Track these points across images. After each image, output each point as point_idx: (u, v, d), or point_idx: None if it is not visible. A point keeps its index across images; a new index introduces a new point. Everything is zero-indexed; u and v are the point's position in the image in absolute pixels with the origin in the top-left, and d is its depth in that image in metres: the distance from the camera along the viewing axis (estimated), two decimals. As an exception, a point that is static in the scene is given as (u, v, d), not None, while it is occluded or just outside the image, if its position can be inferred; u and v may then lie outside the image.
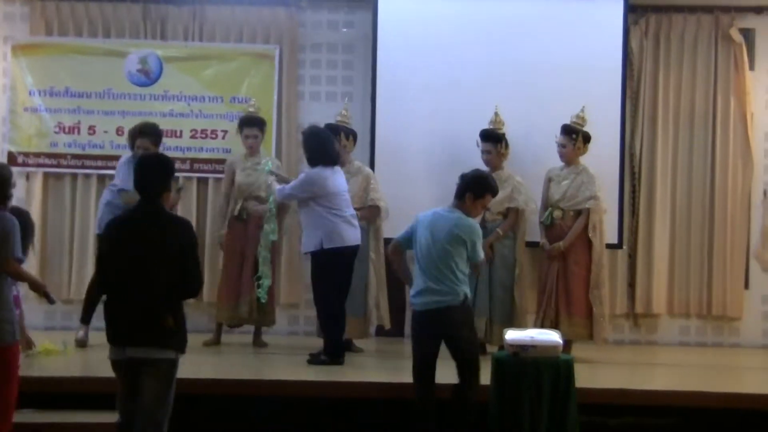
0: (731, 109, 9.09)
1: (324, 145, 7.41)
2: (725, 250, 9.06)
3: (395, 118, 8.65)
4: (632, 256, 9.01)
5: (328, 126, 7.88)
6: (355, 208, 7.62)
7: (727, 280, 9.02)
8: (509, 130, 8.32)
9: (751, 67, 9.11)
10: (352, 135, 8.10)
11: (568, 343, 7.86)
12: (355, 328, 7.95)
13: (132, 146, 7.79)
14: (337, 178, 7.41)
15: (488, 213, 7.85)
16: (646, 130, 9.10)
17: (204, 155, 9.00)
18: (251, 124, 8.24)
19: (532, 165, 8.47)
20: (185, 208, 8.93)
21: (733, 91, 9.09)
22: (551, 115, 8.42)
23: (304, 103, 9.17)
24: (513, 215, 8.06)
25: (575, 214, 7.94)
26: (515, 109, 8.50)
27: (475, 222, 6.32)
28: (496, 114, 8.22)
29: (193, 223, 8.74)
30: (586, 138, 8.06)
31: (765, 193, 9.16)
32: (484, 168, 7.55)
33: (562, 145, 8.01)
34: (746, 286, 9.09)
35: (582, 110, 8.08)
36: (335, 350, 7.34)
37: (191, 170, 9.01)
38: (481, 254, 6.31)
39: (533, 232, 8.24)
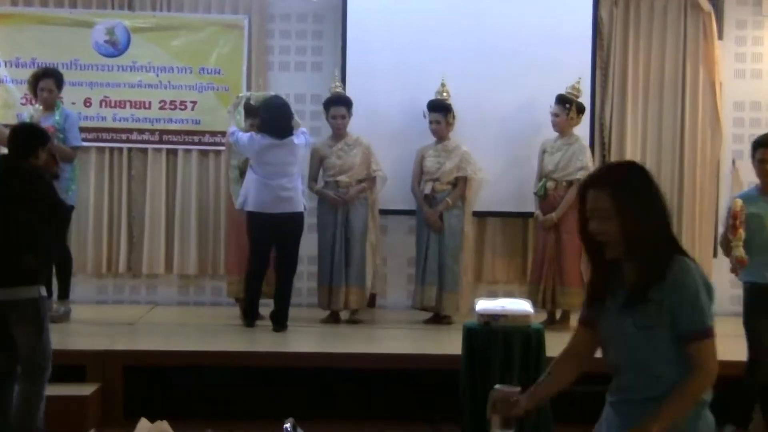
0: (700, 78, 9.12)
1: (273, 117, 7.58)
2: (694, 219, 9.14)
3: (366, 89, 8.61)
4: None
5: (328, 99, 8.12)
6: (359, 180, 7.96)
7: (696, 248, 9.06)
8: (477, 102, 8.42)
9: (720, 37, 9.13)
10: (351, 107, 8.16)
11: (565, 314, 8.00)
12: (358, 297, 8.09)
13: (35, 91, 7.69)
14: (279, 151, 7.56)
15: (437, 183, 8.07)
16: (616, 100, 9.12)
17: (173, 126, 8.96)
18: (338, 103, 8.15)
19: (495, 135, 8.60)
20: (154, 179, 8.98)
21: (702, 60, 9.12)
22: (520, 86, 8.58)
23: (273, 74, 9.12)
24: (462, 184, 8.13)
25: (567, 184, 8.00)
26: (483, 80, 8.62)
27: None
28: (443, 84, 8.23)
29: (162, 194, 8.97)
30: (580, 108, 8.14)
31: (733, 163, 9.22)
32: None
33: (555, 115, 8.08)
34: (714, 254, 9.12)
35: (578, 81, 8.16)
36: (245, 310, 7.80)
37: (160, 141, 8.97)
38: None
39: (485, 202, 8.42)
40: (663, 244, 3.05)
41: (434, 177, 8.13)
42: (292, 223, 7.64)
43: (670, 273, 3.00)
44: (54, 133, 7.32)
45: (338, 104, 8.16)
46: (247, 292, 7.80)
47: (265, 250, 7.69)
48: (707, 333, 3.03)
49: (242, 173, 7.90)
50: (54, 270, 7.41)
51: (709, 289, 3.07)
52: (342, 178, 8.11)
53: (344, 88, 8.44)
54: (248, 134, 7.66)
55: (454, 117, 8.19)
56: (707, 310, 3.04)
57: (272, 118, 7.61)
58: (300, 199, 7.71)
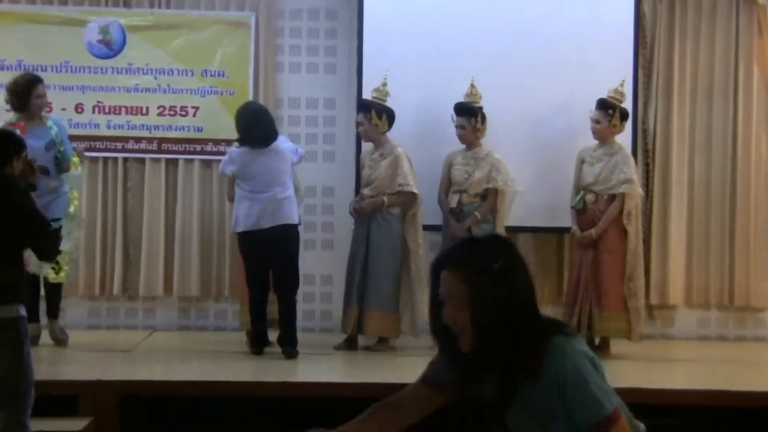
0: (754, 78, 9.11)
1: (247, 126, 7.65)
2: (748, 235, 9.10)
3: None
4: (646, 242, 8.96)
5: (361, 102, 8.23)
6: (387, 194, 7.99)
7: (751, 267, 9.04)
8: (507, 105, 8.43)
9: (776, 32, 9.12)
10: (386, 113, 8.13)
11: (605, 342, 8.00)
12: (385, 324, 8.08)
13: (27, 98, 7.64)
14: (265, 159, 7.61)
15: (465, 195, 8.08)
16: (661, 103, 9.11)
17: (173, 134, 8.99)
18: (460, 112, 8.19)
19: (526, 142, 8.65)
20: (152, 191, 9.01)
21: (756, 58, 9.11)
22: (554, 87, 8.61)
23: (282, 76, 9.17)
24: (492, 197, 8.12)
25: (609, 198, 8.01)
26: (513, 82, 8.64)
27: None
28: (472, 86, 8.24)
29: (161, 208, 9.00)
30: (624, 115, 8.14)
31: (792, 171, 9.19)
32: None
33: (596, 121, 8.07)
34: (772, 273, 9.14)
35: (621, 84, 8.17)
36: (252, 338, 7.83)
37: (159, 150, 9.02)
38: None
39: (515, 215, 8.38)
40: (530, 337, 2.84)
41: (462, 188, 8.16)
42: (285, 236, 7.64)
43: (546, 363, 2.81)
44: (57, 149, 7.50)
45: (358, 110, 8.26)
46: (253, 323, 7.82)
47: (262, 274, 7.72)
48: (610, 419, 2.82)
49: None
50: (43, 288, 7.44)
51: (595, 365, 2.88)
52: (366, 190, 8.16)
53: (361, 91, 8.53)
54: (227, 154, 7.81)
55: (483, 121, 8.19)
56: (602, 392, 2.83)
57: (248, 128, 7.66)
58: (293, 209, 7.72)
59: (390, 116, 8.14)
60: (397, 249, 8.08)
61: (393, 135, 8.23)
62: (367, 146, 8.37)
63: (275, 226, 7.58)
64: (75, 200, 7.85)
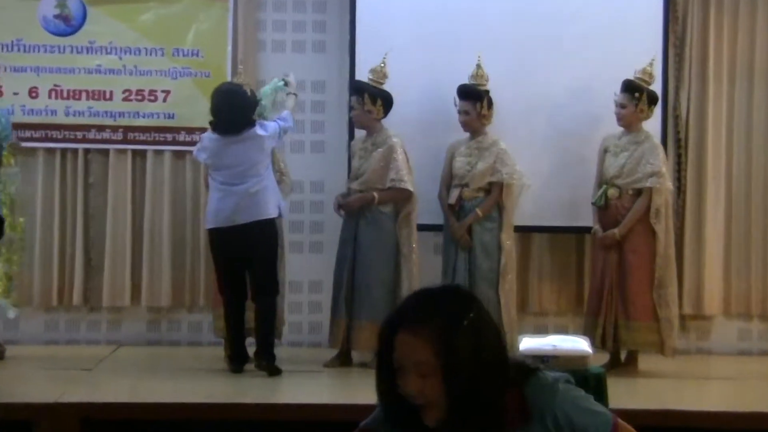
0: (800, 59, 9.11)
1: (217, 110, 7.71)
2: (792, 232, 9.10)
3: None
4: (678, 244, 8.90)
5: (355, 83, 8.24)
6: (378, 189, 8.00)
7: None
8: (520, 89, 8.46)
9: (825, 6, 9.12)
10: (381, 98, 8.13)
11: (631, 356, 7.99)
12: (371, 336, 7.96)
13: None
14: (238, 148, 7.63)
15: (466, 189, 8.09)
16: (694, 86, 9.11)
17: (140, 122, 8.97)
18: (464, 96, 8.20)
19: (541, 130, 8.66)
20: (117, 187, 9.00)
21: (802, 36, 9.11)
22: (573, 69, 8.63)
23: (265, 55, 9.16)
24: (496, 191, 8.12)
25: (635, 193, 8.02)
26: (526, 62, 8.65)
27: None
28: (479, 66, 8.21)
29: (127, 207, 9.03)
30: (652, 99, 8.14)
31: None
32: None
33: (621, 106, 8.07)
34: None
35: (650, 64, 8.17)
36: (230, 354, 7.82)
37: (125, 141, 8.99)
38: None
39: (528, 213, 8.37)
40: (507, 390, 2.79)
41: (463, 182, 8.14)
42: (260, 233, 7.63)
43: (531, 409, 2.80)
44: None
45: (351, 92, 8.26)
46: (230, 337, 7.84)
47: (237, 278, 7.73)
48: (616, 425, 2.89)
49: None
50: None
51: (571, 381, 2.92)
52: (354, 184, 8.16)
53: (353, 72, 8.54)
54: (200, 138, 7.90)
55: (490, 106, 8.17)
56: (597, 404, 2.92)
57: (218, 112, 7.70)
58: (269, 201, 7.72)
59: (386, 101, 8.13)
60: (390, 251, 8.06)
61: (391, 122, 8.22)
62: (360, 134, 8.37)
63: (249, 222, 7.59)
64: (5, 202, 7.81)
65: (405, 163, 8.07)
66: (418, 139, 8.44)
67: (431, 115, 8.62)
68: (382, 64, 8.18)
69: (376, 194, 8.02)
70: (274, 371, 7.59)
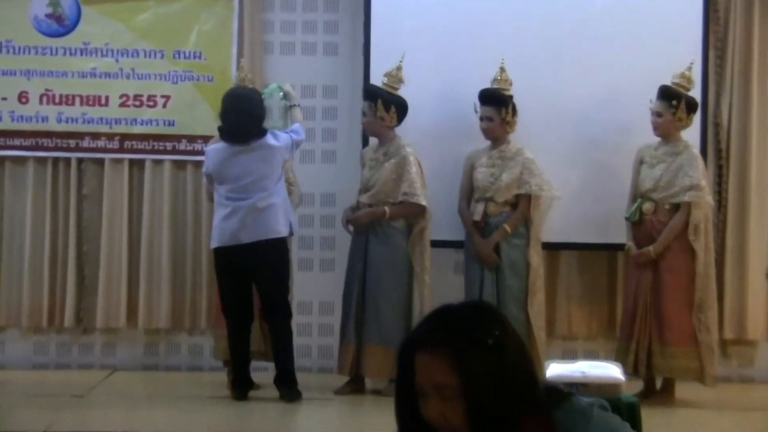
0: None
1: (225, 117, 7.75)
2: None
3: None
4: (718, 262, 8.86)
5: (368, 88, 8.25)
6: (389, 203, 8.00)
7: None
8: (546, 94, 8.45)
9: None
10: (395, 105, 8.12)
11: (667, 384, 7.98)
12: (390, 362, 7.92)
13: None
14: (245, 159, 7.64)
15: (491, 204, 8.05)
16: (737, 92, 9.07)
17: (138, 129, 8.99)
18: (486, 101, 8.16)
19: (570, 140, 8.63)
20: (113, 199, 9.00)
21: None
22: (604, 73, 8.61)
23: (272, 58, 9.19)
24: (524, 205, 8.10)
25: (672, 208, 7.98)
26: (553, 66, 8.63)
27: None
28: (502, 69, 8.20)
29: (124, 220, 9.03)
30: (692, 106, 8.11)
31: None
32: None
33: (657, 114, 8.05)
34: None
35: (689, 68, 8.15)
36: (233, 380, 7.85)
37: (121, 149, 9.00)
38: None
39: (556, 228, 8.32)
40: (537, 414, 2.75)
41: (486, 195, 8.08)
42: (269, 253, 7.64)
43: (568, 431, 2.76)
44: None
45: (364, 97, 8.24)
46: (233, 361, 7.87)
47: (241, 297, 7.74)
48: None
49: None
50: None
51: (606, 407, 2.87)
52: (363, 197, 8.12)
53: (368, 76, 8.52)
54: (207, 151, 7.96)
55: (514, 113, 8.14)
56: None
57: (225, 116, 7.75)
58: (279, 219, 7.72)
59: (400, 108, 8.11)
60: (402, 269, 8.05)
61: (405, 129, 8.21)
62: (373, 142, 8.35)
63: (256, 241, 7.60)
64: None
65: (419, 175, 8.04)
66: (433, 147, 8.45)
67: (448, 121, 8.61)
68: (398, 68, 8.16)
69: (387, 208, 7.99)
70: (292, 398, 7.61)
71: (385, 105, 8.04)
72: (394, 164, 8.03)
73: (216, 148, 7.75)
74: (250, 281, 7.70)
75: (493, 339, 2.67)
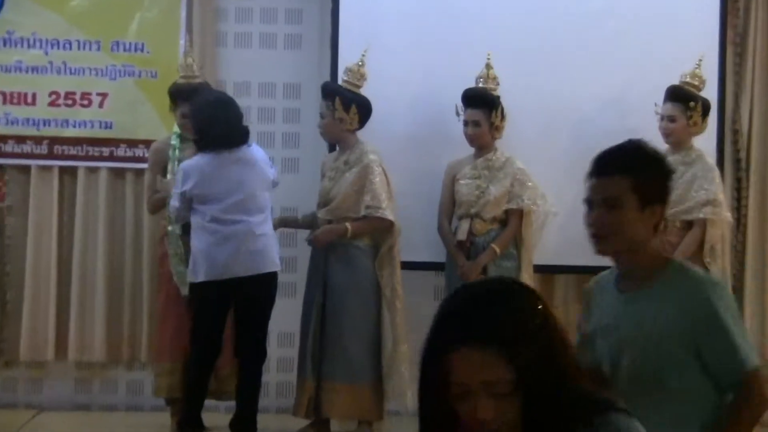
0: None
1: (211, 122, 7.64)
2: None
3: (368, 72, 8.43)
4: (737, 288, 8.90)
5: (324, 86, 8.22)
6: (351, 218, 7.96)
7: None
8: (534, 95, 8.51)
9: None
10: (356, 104, 8.09)
11: None
12: (354, 402, 8.00)
13: None
14: (230, 170, 7.65)
15: (477, 221, 8.03)
16: (758, 94, 9.12)
17: (70, 132, 8.97)
18: (472, 102, 8.11)
19: (566, 148, 8.60)
20: (41, 212, 8.99)
21: None
22: (605, 72, 8.68)
23: (226, 52, 9.20)
24: (515, 222, 8.11)
25: (684, 226, 7.99)
26: (546, 64, 8.69)
27: None
28: (489, 66, 8.20)
29: (53, 236, 9.03)
30: (706, 108, 8.15)
31: None
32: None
33: (670, 118, 8.10)
34: None
35: (698, 65, 8.17)
36: (181, 420, 7.86)
37: (50, 155, 8.98)
38: None
39: (550, 249, 8.32)
40: (582, 415, 2.81)
41: (472, 211, 8.02)
42: (262, 288, 7.69)
43: None
44: None
45: (322, 96, 8.18)
46: (187, 389, 7.80)
47: (218, 330, 7.75)
48: None
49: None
50: None
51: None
52: (321, 213, 8.10)
53: (336, 73, 8.49)
54: (179, 171, 7.79)
55: (503, 116, 8.11)
56: None
57: (211, 124, 7.63)
58: (275, 249, 7.81)
59: (362, 108, 8.08)
60: (368, 295, 8.01)
61: (375, 135, 8.22)
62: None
63: (253, 275, 7.62)
64: None
65: (384, 186, 7.98)
66: (408, 157, 8.48)
67: (425, 126, 8.65)
68: (360, 63, 8.15)
69: (349, 225, 7.92)
70: None
71: (344, 104, 7.99)
72: (355, 174, 7.98)
73: (198, 163, 7.65)
74: (226, 315, 7.73)
75: (537, 318, 2.75)
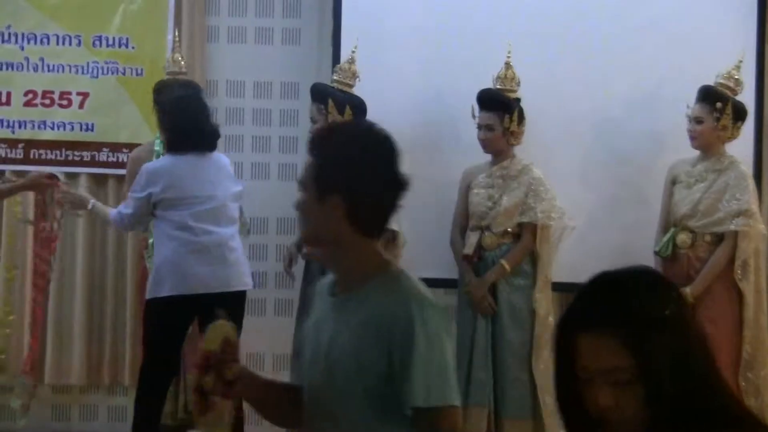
0: None
1: (183, 117, 7.68)
2: None
3: (369, 69, 8.49)
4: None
5: (314, 88, 8.28)
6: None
7: None
8: (555, 98, 8.53)
9: None
10: (350, 105, 8.15)
11: None
12: None
13: None
14: (205, 173, 7.67)
15: (487, 234, 8.01)
16: (798, 98, 9.09)
17: (47, 135, 9.05)
18: (487, 105, 8.11)
19: (588, 154, 8.73)
20: (15, 223, 9.05)
21: None
22: (630, 74, 8.67)
23: (217, 48, 9.24)
24: (528, 236, 8.10)
25: (714, 239, 7.97)
26: (568, 64, 8.72)
27: None
28: (508, 65, 8.22)
29: (27, 248, 9.03)
30: (739, 112, 8.08)
31: None
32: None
33: (696, 120, 8.02)
34: None
35: (736, 66, 8.15)
36: None
37: (26, 160, 9.05)
38: None
39: (568, 265, 8.21)
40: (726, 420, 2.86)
41: (483, 223, 8.05)
42: (235, 308, 7.54)
43: None
44: None
45: (312, 99, 8.24)
46: (138, 416, 7.83)
47: (179, 351, 7.81)
48: None
49: None
50: None
51: None
52: None
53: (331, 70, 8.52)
54: (141, 174, 7.74)
55: (521, 120, 8.12)
56: None
57: (183, 119, 7.69)
58: (248, 266, 7.89)
59: (357, 109, 8.14)
60: None
61: None
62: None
63: (227, 292, 7.59)
64: None
65: None
66: (419, 164, 8.24)
67: (439, 131, 8.71)
68: (351, 60, 8.23)
69: None
70: None
71: (338, 106, 8.06)
72: None
73: (165, 165, 7.68)
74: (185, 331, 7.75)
75: (670, 311, 2.82)
